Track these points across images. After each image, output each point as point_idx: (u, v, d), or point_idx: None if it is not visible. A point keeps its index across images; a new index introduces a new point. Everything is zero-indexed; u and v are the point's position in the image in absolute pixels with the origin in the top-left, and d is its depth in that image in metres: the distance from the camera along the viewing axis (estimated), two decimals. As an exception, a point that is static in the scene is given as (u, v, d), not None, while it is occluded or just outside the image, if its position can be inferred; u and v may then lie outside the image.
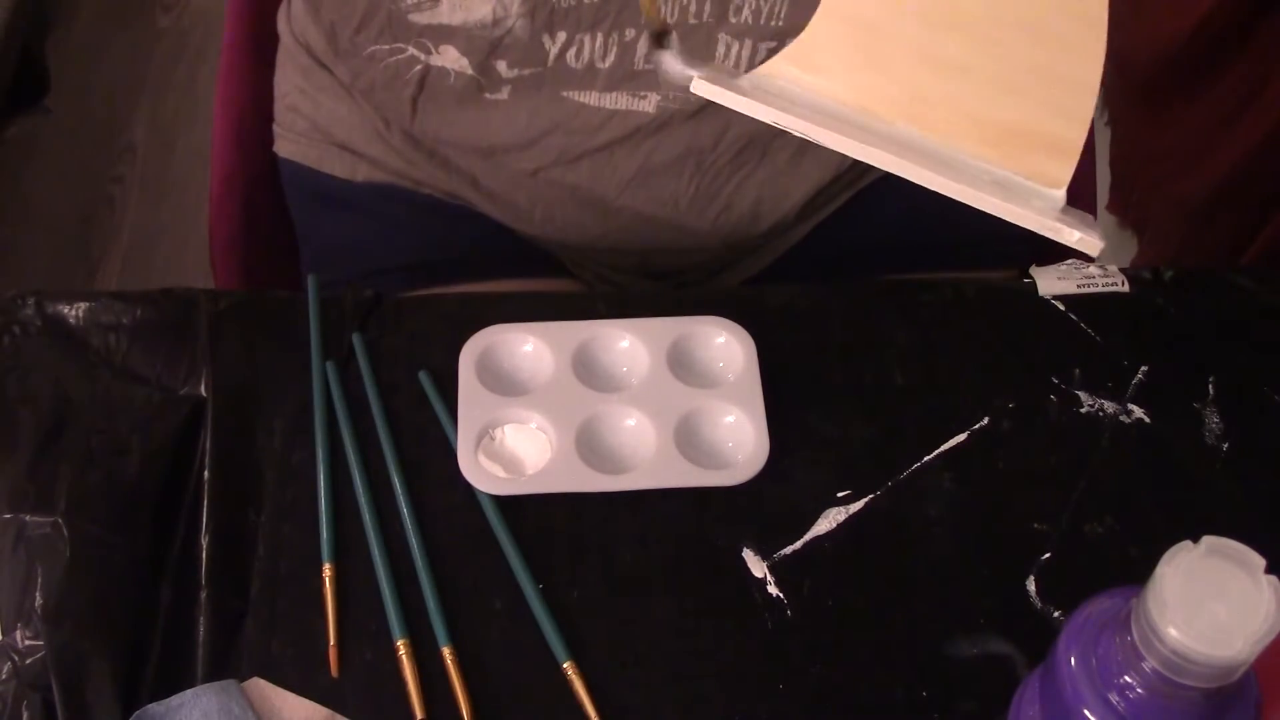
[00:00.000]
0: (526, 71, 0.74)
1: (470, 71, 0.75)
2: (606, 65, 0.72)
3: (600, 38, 0.71)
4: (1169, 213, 1.53)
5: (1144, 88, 1.57)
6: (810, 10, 0.71)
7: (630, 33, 0.71)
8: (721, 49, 0.72)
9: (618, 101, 0.75)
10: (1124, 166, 1.62)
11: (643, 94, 0.74)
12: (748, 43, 0.72)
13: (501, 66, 0.74)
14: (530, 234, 0.85)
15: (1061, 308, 0.74)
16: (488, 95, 0.76)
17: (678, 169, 0.78)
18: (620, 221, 0.82)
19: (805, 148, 0.80)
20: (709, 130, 0.77)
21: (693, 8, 0.70)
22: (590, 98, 0.75)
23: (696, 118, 0.76)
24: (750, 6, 0.70)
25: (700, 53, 0.72)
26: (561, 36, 0.71)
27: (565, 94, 0.75)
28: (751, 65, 0.73)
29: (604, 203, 0.81)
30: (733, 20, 0.71)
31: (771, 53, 0.73)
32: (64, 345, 0.70)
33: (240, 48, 0.95)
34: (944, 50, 0.51)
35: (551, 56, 0.72)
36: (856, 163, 0.87)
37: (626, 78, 0.73)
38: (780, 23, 0.71)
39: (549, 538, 0.64)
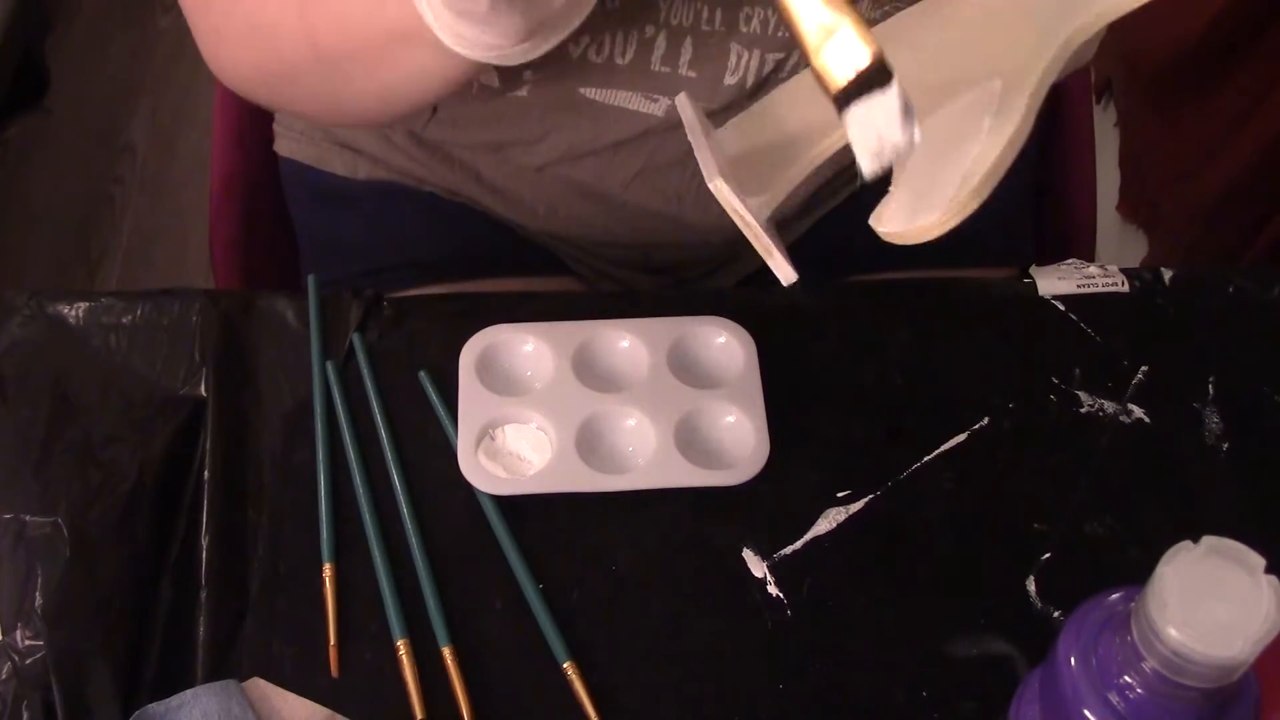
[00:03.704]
0: (549, 70, 0.74)
1: (496, 84, 0.75)
2: (626, 61, 0.73)
3: (621, 33, 0.71)
4: (1179, 212, 1.53)
5: (1155, 88, 1.57)
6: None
7: (650, 30, 0.71)
8: (733, 59, 0.72)
9: (630, 101, 0.75)
10: (1134, 166, 1.62)
11: (655, 97, 0.75)
12: (756, 53, 0.72)
13: (527, 74, 0.74)
14: (532, 228, 0.85)
15: (1061, 308, 0.74)
16: (508, 93, 0.76)
17: (682, 165, 0.79)
18: (623, 216, 0.82)
19: None
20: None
21: (705, 14, 0.70)
22: (605, 95, 0.75)
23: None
24: (759, 17, 0.70)
25: (712, 61, 0.73)
26: (585, 39, 0.71)
27: (582, 90, 0.75)
28: (759, 76, 0.73)
29: (608, 197, 0.81)
30: (743, 29, 0.71)
31: (778, 64, 0.73)
32: (64, 345, 0.70)
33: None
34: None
35: (575, 56, 0.72)
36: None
37: (643, 78, 0.74)
38: (787, 33, 0.71)
39: (549, 537, 0.64)
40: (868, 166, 0.47)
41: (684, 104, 0.63)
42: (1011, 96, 0.52)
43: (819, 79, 0.46)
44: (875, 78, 0.45)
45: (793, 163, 0.59)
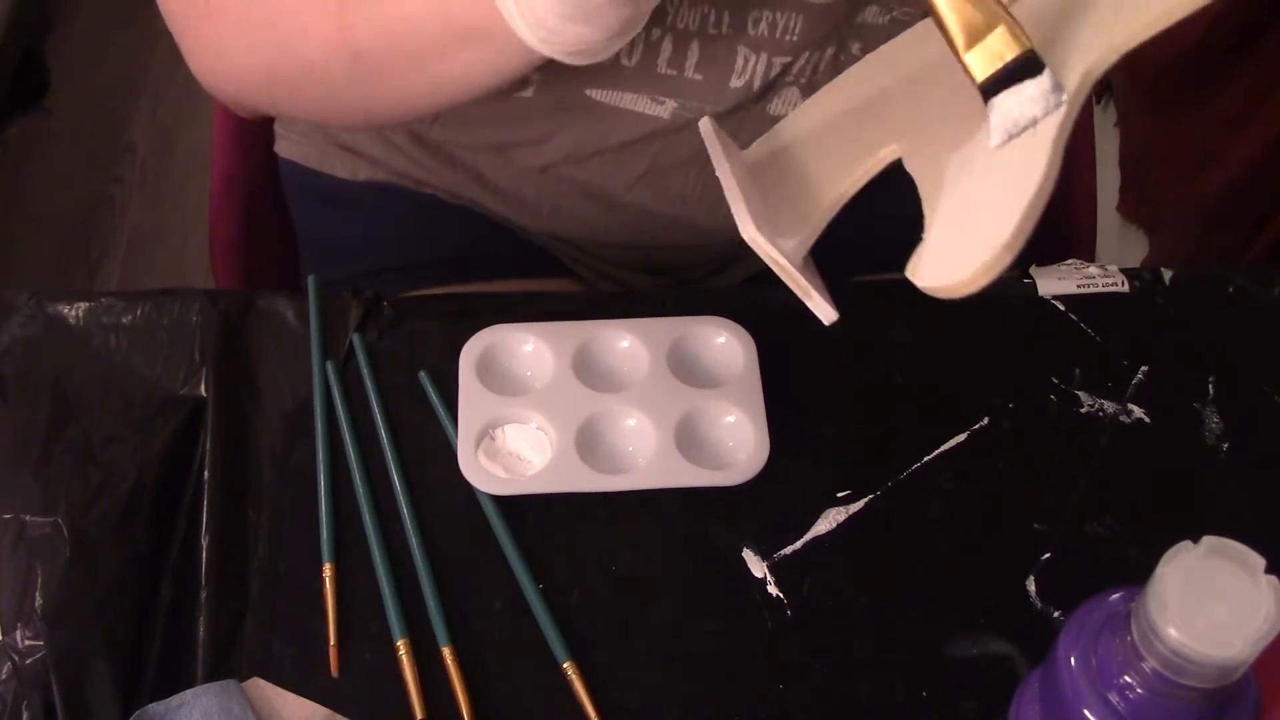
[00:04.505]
0: (554, 71, 0.74)
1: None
2: (632, 63, 0.72)
3: None
4: (1180, 213, 1.53)
5: (1155, 88, 1.57)
6: (820, 27, 0.71)
7: (656, 32, 0.71)
8: (739, 62, 0.72)
9: (636, 104, 0.75)
10: (1134, 166, 1.62)
11: (661, 99, 0.75)
12: (763, 56, 0.72)
13: (533, 75, 0.74)
14: (534, 229, 0.85)
15: (1061, 308, 0.74)
16: (513, 94, 0.76)
17: (687, 167, 0.78)
18: (626, 217, 0.82)
19: None
20: None
21: (712, 17, 0.70)
22: (610, 97, 0.75)
23: None
24: (767, 20, 0.70)
25: (718, 63, 0.73)
26: None
27: (587, 91, 0.75)
28: (766, 79, 0.73)
29: (611, 199, 0.81)
30: (751, 32, 0.71)
31: (784, 68, 0.73)
32: (64, 345, 0.70)
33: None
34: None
35: None
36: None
37: (649, 80, 0.73)
38: (794, 37, 0.71)
39: (549, 537, 0.64)
40: (998, 140, 0.51)
41: (708, 132, 0.62)
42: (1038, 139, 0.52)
43: (966, 71, 0.50)
44: (1028, 68, 0.50)
45: (823, 198, 0.59)
